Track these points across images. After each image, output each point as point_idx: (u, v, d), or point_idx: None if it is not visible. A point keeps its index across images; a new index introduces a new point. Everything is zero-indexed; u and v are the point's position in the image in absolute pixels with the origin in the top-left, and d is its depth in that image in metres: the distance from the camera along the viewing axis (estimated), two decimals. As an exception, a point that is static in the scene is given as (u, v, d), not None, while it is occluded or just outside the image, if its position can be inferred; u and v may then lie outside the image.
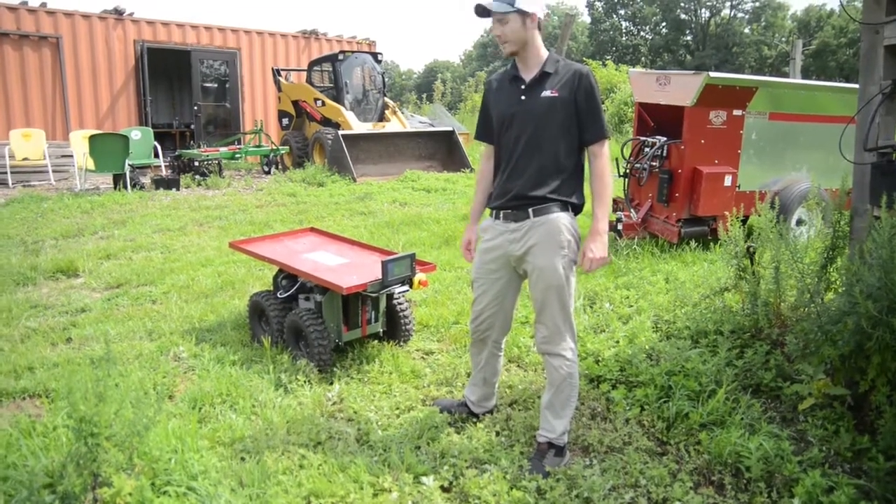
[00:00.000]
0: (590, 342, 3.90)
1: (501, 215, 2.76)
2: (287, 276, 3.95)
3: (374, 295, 3.60)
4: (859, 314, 2.62)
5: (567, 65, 2.69)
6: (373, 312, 3.88)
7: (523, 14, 2.56)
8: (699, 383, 3.25)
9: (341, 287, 3.40)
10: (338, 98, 12.43)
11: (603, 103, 2.71)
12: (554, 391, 2.78)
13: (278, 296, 3.92)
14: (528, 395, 3.36)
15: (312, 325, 3.58)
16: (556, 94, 2.63)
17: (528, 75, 2.70)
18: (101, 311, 4.68)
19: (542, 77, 2.67)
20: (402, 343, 3.99)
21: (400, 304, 3.96)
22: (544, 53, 2.71)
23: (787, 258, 3.54)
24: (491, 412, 3.21)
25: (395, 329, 4.00)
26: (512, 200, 2.71)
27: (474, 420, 3.15)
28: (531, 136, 2.67)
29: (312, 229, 4.89)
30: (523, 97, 2.69)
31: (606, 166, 2.68)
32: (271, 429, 2.98)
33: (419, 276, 3.66)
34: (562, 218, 2.67)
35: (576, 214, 2.76)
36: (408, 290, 3.67)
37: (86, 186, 10.31)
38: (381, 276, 3.48)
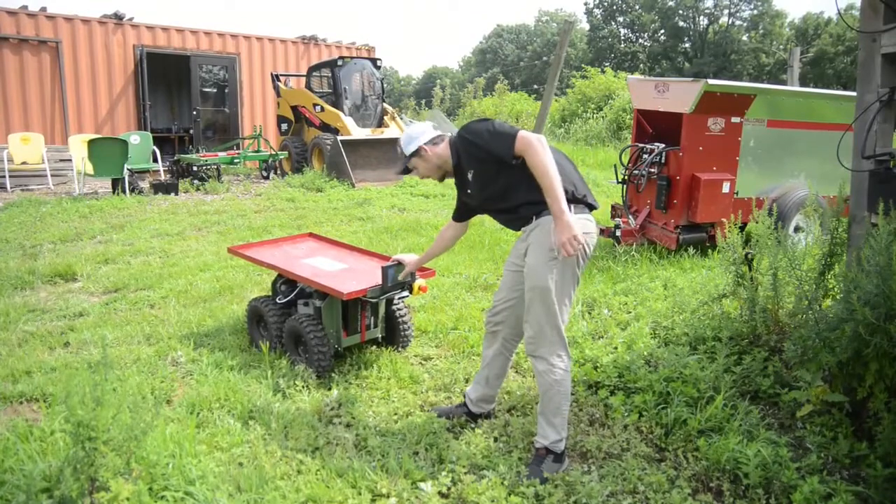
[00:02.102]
0: (588, 348, 3.90)
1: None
2: (286, 282, 3.95)
3: (373, 300, 3.60)
4: (857, 321, 2.62)
5: (453, 142, 2.90)
6: (372, 318, 3.88)
7: (415, 154, 2.92)
8: (697, 390, 3.26)
9: (342, 292, 3.40)
10: (337, 104, 12.45)
11: (487, 125, 2.83)
12: (543, 398, 2.79)
13: (277, 301, 3.92)
14: (527, 401, 3.36)
15: (312, 330, 3.57)
16: (473, 170, 2.84)
17: (456, 176, 2.97)
18: (98, 315, 4.68)
19: (458, 169, 2.91)
20: (400, 349, 3.99)
21: (399, 310, 3.96)
22: (447, 152, 2.91)
23: (784, 265, 3.55)
24: (489, 417, 3.21)
25: (393, 335, 4.00)
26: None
27: (472, 426, 3.14)
28: (494, 208, 2.91)
29: (311, 235, 4.89)
30: (469, 190, 2.93)
31: (531, 155, 2.60)
32: (269, 434, 2.98)
33: (419, 281, 3.65)
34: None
35: (589, 209, 2.80)
36: (408, 296, 3.67)
37: (84, 191, 10.30)
38: (381, 282, 3.48)
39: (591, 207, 2.81)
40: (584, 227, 2.69)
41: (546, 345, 2.74)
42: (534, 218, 2.76)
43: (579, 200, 2.75)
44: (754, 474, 2.62)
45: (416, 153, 2.91)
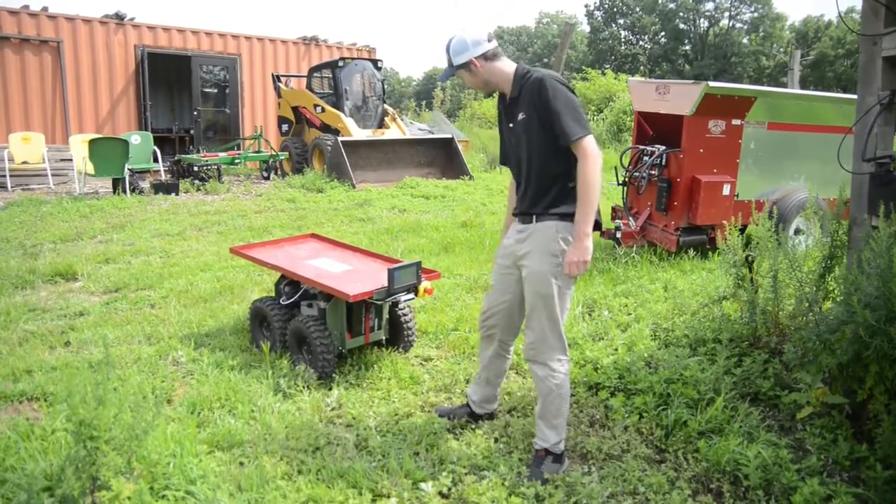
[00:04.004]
0: (588, 350, 3.91)
1: (518, 218, 2.87)
2: (290, 283, 3.94)
3: (379, 303, 3.59)
4: (857, 323, 2.63)
5: (529, 79, 2.68)
6: (376, 320, 3.87)
7: (464, 66, 2.70)
8: (698, 391, 3.26)
9: (348, 294, 3.37)
10: (337, 104, 12.46)
11: (574, 101, 2.63)
12: (543, 402, 2.77)
13: (281, 302, 3.91)
14: (527, 402, 3.36)
15: (316, 332, 3.55)
16: (525, 116, 2.69)
17: (504, 103, 2.82)
18: (99, 314, 4.68)
19: (512, 103, 2.75)
20: (401, 350, 3.98)
21: (404, 312, 3.94)
22: (510, 76, 2.73)
23: (785, 267, 3.56)
24: (491, 417, 3.21)
25: (396, 337, 3.99)
26: (523, 213, 2.81)
27: (473, 426, 3.15)
28: (521, 158, 2.78)
29: (313, 235, 4.89)
30: (511, 124, 2.79)
31: (587, 167, 2.56)
32: (270, 434, 2.98)
33: (425, 284, 3.64)
34: (559, 227, 2.68)
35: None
36: (413, 298, 3.66)
37: (85, 190, 10.31)
38: (386, 284, 3.47)
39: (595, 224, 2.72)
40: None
41: (548, 350, 2.72)
42: (534, 219, 2.73)
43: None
44: (754, 476, 2.63)
45: (465, 66, 2.70)
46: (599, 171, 2.59)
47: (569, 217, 2.69)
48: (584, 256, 2.59)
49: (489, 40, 2.70)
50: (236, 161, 11.83)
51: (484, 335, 3.06)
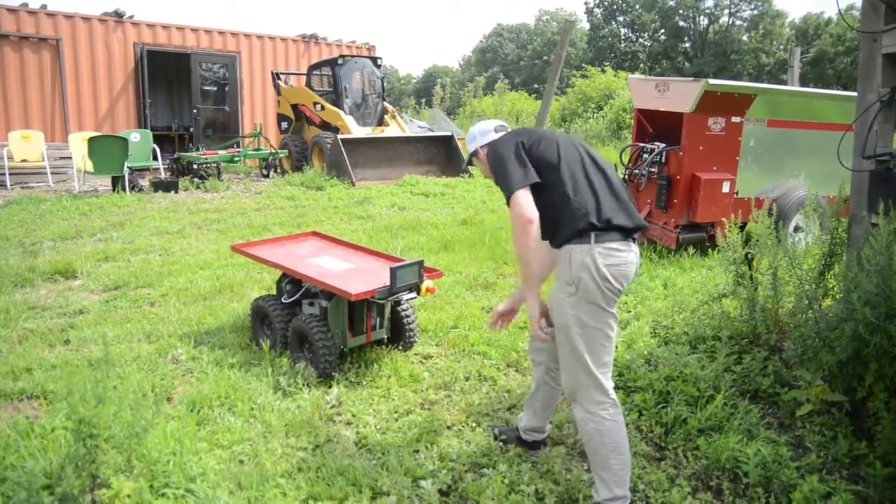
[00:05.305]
0: (588, 347, 3.90)
1: None
2: (291, 281, 3.93)
3: (381, 302, 3.58)
4: (857, 321, 2.63)
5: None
6: (378, 319, 3.86)
7: (473, 154, 2.78)
8: (697, 389, 3.26)
9: (350, 293, 3.36)
10: (337, 102, 12.45)
11: (502, 158, 2.46)
12: (586, 449, 2.50)
13: (283, 301, 3.90)
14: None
15: (318, 331, 3.55)
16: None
17: None
18: (99, 313, 4.68)
19: None
20: (401, 348, 3.98)
21: (405, 311, 3.93)
22: None
23: (784, 265, 3.56)
24: (537, 446, 2.95)
25: (398, 336, 3.97)
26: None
27: (473, 425, 3.15)
28: None
29: (315, 233, 4.88)
30: None
31: (512, 233, 2.44)
32: (270, 432, 2.98)
33: (427, 283, 3.63)
34: (573, 251, 2.38)
35: (622, 234, 2.40)
36: (415, 297, 3.65)
37: (84, 188, 10.30)
38: (389, 283, 3.47)
39: (624, 231, 2.41)
40: (604, 260, 2.35)
41: (580, 389, 2.43)
42: (558, 247, 2.49)
43: (605, 228, 2.37)
44: (754, 473, 2.63)
45: (474, 154, 2.78)
46: (523, 235, 2.38)
47: (579, 235, 2.38)
48: (529, 315, 2.55)
49: (496, 131, 2.73)
50: (236, 159, 11.82)
51: (532, 356, 2.90)
